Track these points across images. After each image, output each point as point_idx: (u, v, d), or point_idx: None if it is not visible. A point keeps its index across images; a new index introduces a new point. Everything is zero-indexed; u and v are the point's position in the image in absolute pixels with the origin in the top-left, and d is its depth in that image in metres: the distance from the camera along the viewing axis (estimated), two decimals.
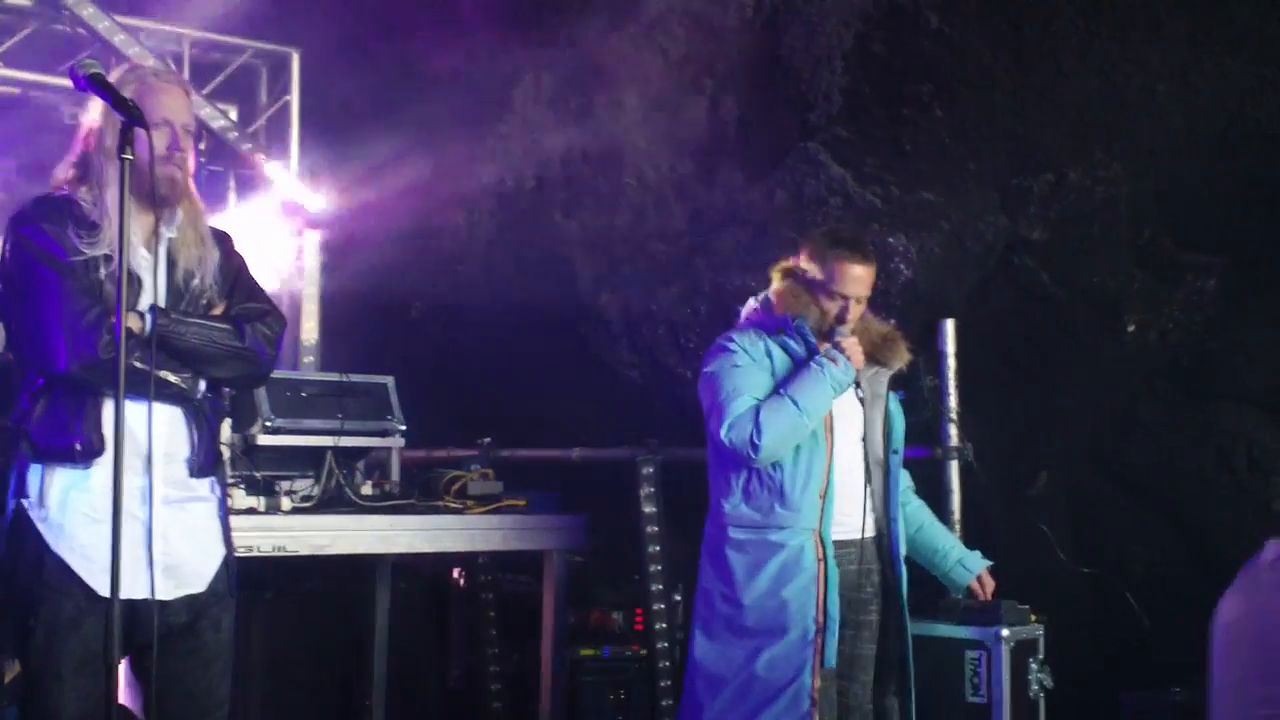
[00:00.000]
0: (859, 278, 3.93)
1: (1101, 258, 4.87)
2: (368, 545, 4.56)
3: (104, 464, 3.12)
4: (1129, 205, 4.81)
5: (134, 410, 3.10)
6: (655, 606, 5.09)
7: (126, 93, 3.14)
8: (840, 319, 3.93)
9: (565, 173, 6.56)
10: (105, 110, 3.17)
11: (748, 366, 3.93)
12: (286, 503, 4.42)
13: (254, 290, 3.53)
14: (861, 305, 3.97)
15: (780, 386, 3.88)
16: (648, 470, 5.13)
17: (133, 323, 3.15)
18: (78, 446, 3.16)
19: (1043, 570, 4.83)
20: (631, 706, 5.17)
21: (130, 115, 2.93)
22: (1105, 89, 4.85)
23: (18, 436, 3.24)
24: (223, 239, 3.50)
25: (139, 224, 3.20)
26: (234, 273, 3.46)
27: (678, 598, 5.13)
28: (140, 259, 3.23)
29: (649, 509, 5.10)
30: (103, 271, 3.17)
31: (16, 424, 3.25)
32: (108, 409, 3.12)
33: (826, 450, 3.89)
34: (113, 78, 3.19)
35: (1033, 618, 4.46)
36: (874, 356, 4.03)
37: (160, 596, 3.18)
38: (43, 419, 3.19)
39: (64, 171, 3.31)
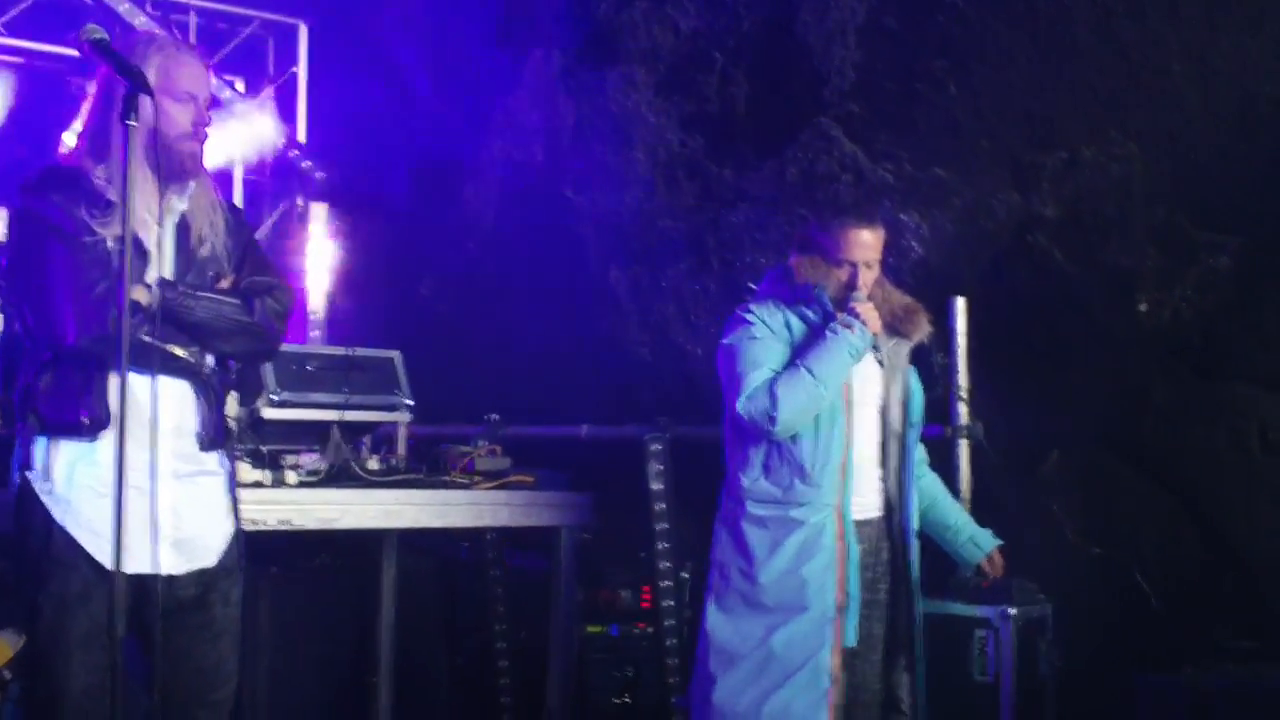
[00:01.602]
0: (866, 243, 3.92)
1: (1115, 236, 4.83)
2: (374, 520, 4.54)
3: (111, 437, 3.10)
4: (1143, 183, 4.77)
5: (141, 384, 3.09)
6: (663, 584, 5.08)
7: (150, 65, 3.13)
8: (850, 285, 3.91)
9: (575, 147, 6.52)
10: (114, 78, 3.13)
11: (766, 338, 3.90)
12: (292, 477, 4.40)
13: (264, 263, 3.50)
14: (872, 270, 3.95)
15: (796, 357, 3.86)
16: (656, 448, 5.11)
17: (140, 295, 3.12)
18: (85, 419, 3.14)
19: (1053, 550, 4.81)
20: (640, 683, 5.16)
21: (135, 82, 2.89)
22: (1121, 68, 4.80)
23: (24, 410, 3.22)
24: (233, 210, 3.48)
25: (149, 195, 3.17)
26: (244, 245, 3.44)
27: (685, 575, 5.11)
28: (150, 231, 3.19)
29: (657, 486, 5.08)
30: (112, 244, 3.13)
31: (23, 397, 3.23)
32: (115, 382, 3.10)
33: (846, 423, 3.87)
34: (134, 50, 3.17)
35: (1041, 597, 4.44)
36: (894, 328, 4.01)
37: (170, 571, 3.18)
38: (50, 392, 3.17)
39: (72, 141, 3.27)
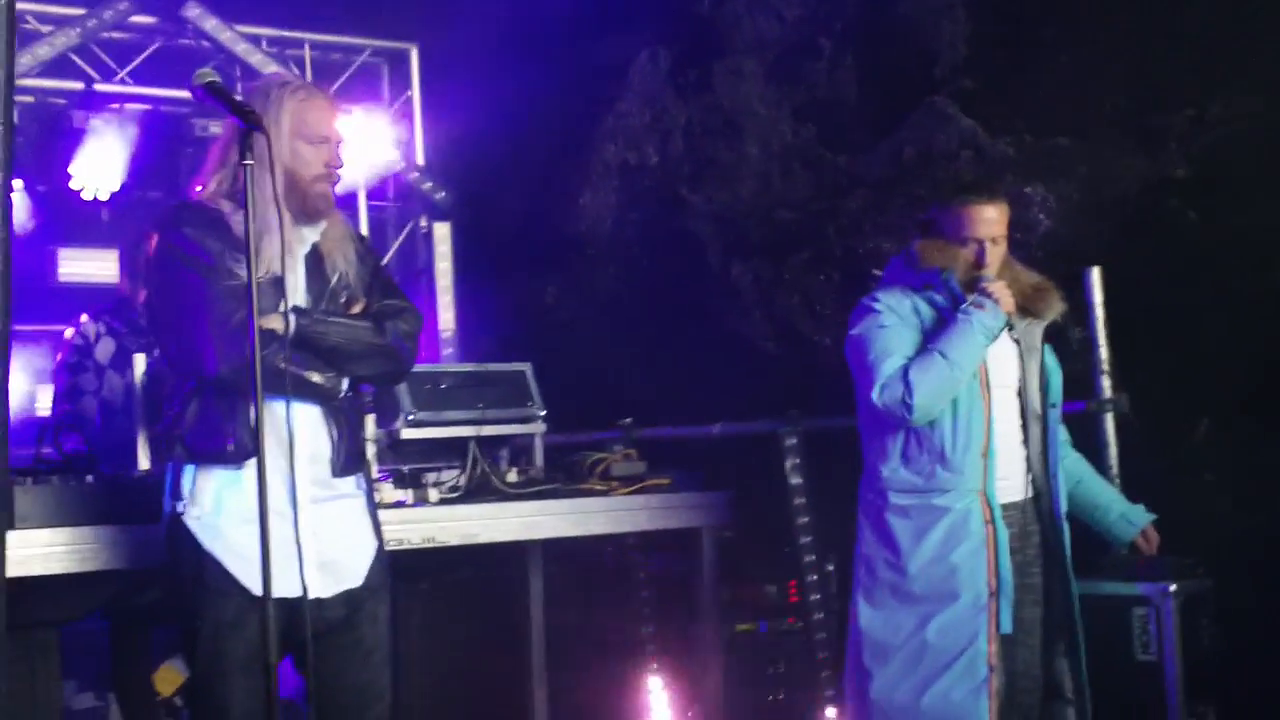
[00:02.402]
0: (989, 219, 3.84)
1: (1249, 194, 4.69)
2: (516, 532, 4.59)
3: (254, 464, 3.17)
4: (1274, 138, 4.62)
5: (277, 410, 3.14)
6: (809, 578, 5.04)
7: (285, 109, 3.24)
8: (978, 264, 3.83)
9: (687, 146, 6.52)
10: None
11: (895, 326, 3.85)
12: (434, 494, 4.46)
13: (391, 287, 3.56)
14: (1000, 247, 3.87)
15: (928, 342, 3.80)
16: (791, 441, 5.08)
17: (276, 324, 3.19)
18: (230, 447, 3.22)
19: (1208, 522, 4.67)
20: (791, 678, 5.13)
21: (249, 121, 2.94)
22: (1238, 15, 4.66)
23: (171, 441, 3.30)
24: (360, 239, 3.55)
25: (284, 233, 3.23)
26: (371, 270, 3.50)
27: (830, 567, 5.07)
28: (285, 263, 3.26)
29: (795, 480, 5.05)
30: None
31: (169, 429, 3.32)
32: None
33: (984, 406, 3.80)
34: (268, 94, 3.27)
35: (1200, 571, 4.32)
36: (1026, 308, 3.93)
37: (318, 594, 3.24)
38: (195, 422, 3.26)
39: (207, 182, 3.35)
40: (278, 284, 3.20)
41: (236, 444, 3.22)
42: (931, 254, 3.90)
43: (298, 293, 3.31)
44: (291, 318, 3.24)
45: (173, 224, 3.27)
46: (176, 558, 3.28)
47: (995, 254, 3.87)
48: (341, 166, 3.37)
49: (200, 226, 3.24)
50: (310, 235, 3.36)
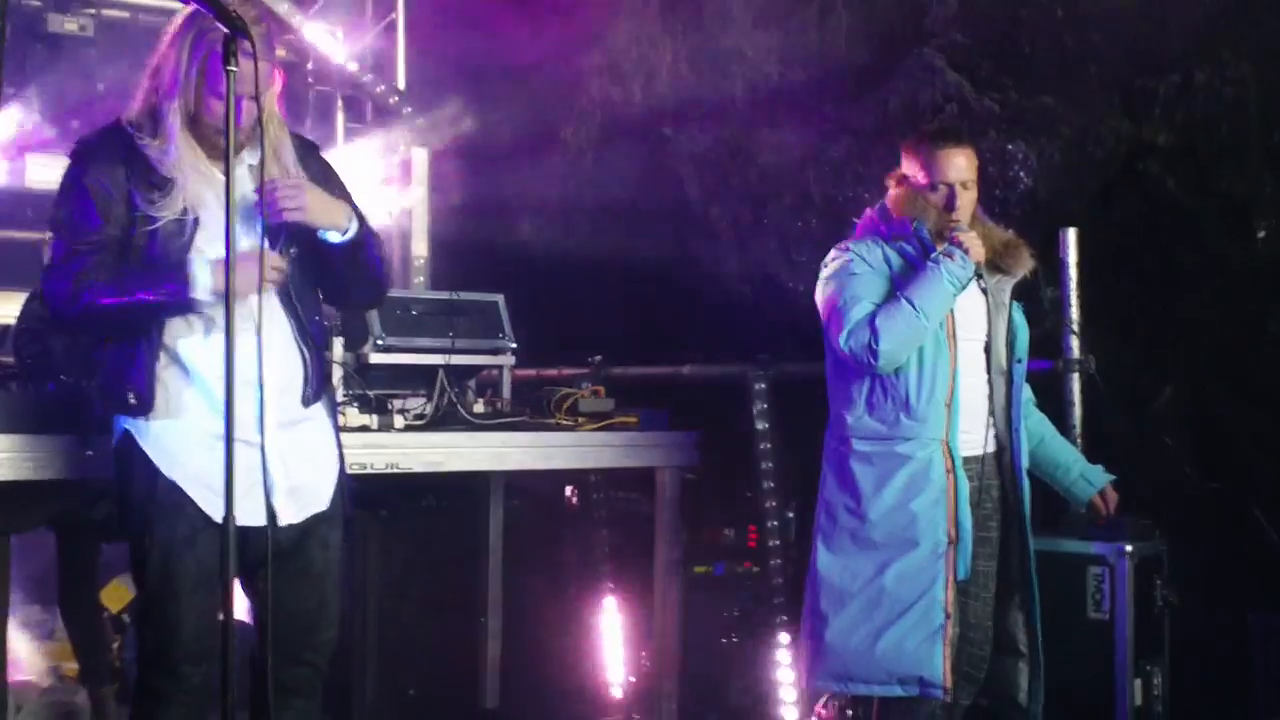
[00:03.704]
0: (957, 164, 3.84)
1: (1230, 162, 4.69)
2: (480, 462, 4.58)
3: (162, 414, 3.15)
4: (1259, 106, 4.61)
5: (245, 340, 3.07)
6: (769, 523, 5.06)
7: (200, 54, 3.06)
8: (948, 207, 3.83)
9: (673, 85, 6.47)
10: (185, 42, 3.09)
11: (865, 273, 3.85)
12: (399, 421, 4.45)
13: (358, 210, 3.50)
14: (970, 193, 3.87)
15: (897, 290, 3.80)
16: (759, 386, 5.09)
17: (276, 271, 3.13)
18: (131, 400, 3.16)
19: (1167, 485, 4.71)
20: (745, 622, 5.16)
21: (236, 28, 2.81)
22: None
23: (92, 389, 3.34)
24: (309, 149, 3.42)
25: (200, 167, 3.15)
26: (324, 178, 3.36)
27: (790, 514, 5.09)
28: (207, 204, 3.15)
29: (761, 425, 5.06)
30: (171, 226, 3.12)
31: (91, 377, 3.33)
32: (207, 346, 3.13)
33: (950, 356, 3.81)
34: (187, 31, 3.10)
35: (1156, 533, 4.36)
36: (996, 264, 3.93)
37: (286, 520, 3.19)
38: (106, 369, 3.24)
39: (137, 105, 3.21)
40: (192, 225, 3.13)
41: (137, 396, 3.15)
42: (904, 204, 3.90)
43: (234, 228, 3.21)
44: (353, 218, 3.21)
45: (81, 157, 3.19)
46: (127, 476, 3.22)
47: (966, 199, 3.87)
48: (242, 122, 3.09)
49: (114, 162, 3.13)
50: (248, 157, 3.23)
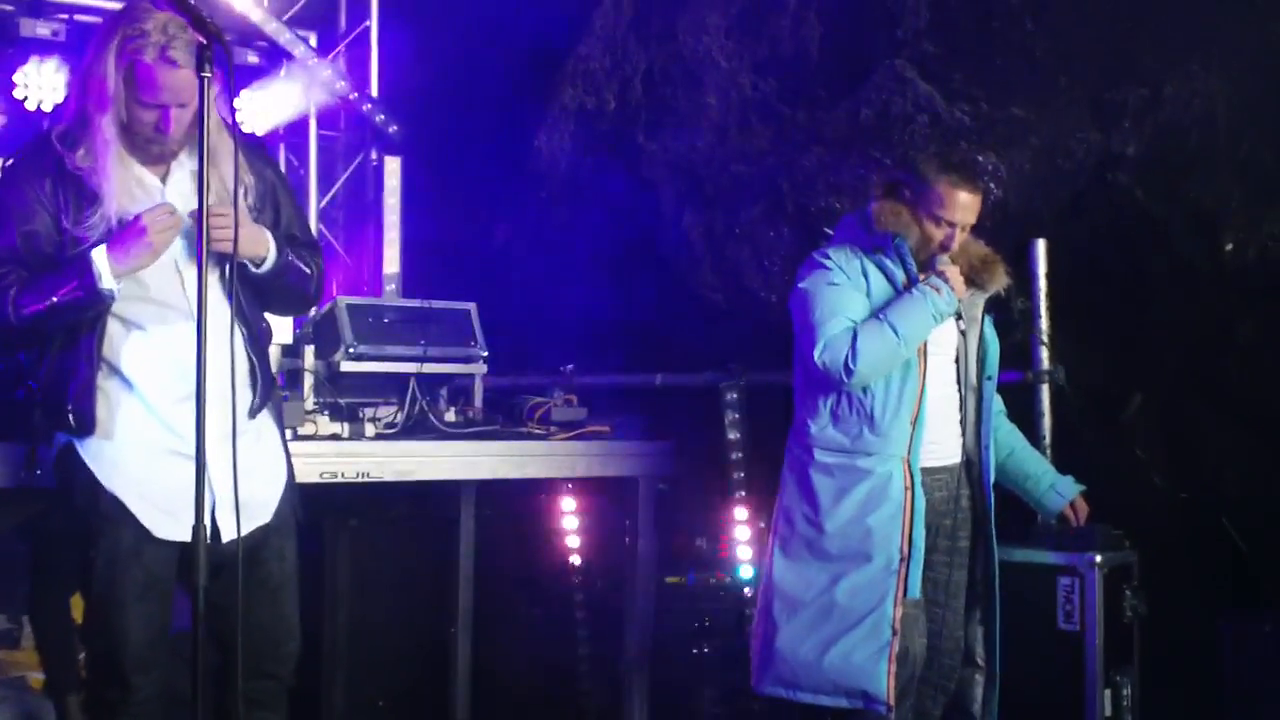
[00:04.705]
0: (967, 205, 3.81)
1: (1198, 174, 4.72)
2: (451, 471, 4.57)
3: (105, 432, 3.11)
4: (1227, 119, 4.65)
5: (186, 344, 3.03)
6: (740, 532, 5.06)
7: (123, 61, 3.01)
8: (944, 246, 3.82)
9: (646, 93, 6.47)
10: (109, 52, 3.01)
11: (844, 285, 3.83)
12: (370, 429, 4.44)
13: (302, 220, 3.46)
14: (965, 234, 3.87)
15: (879, 312, 3.79)
16: (731, 395, 5.09)
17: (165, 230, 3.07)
18: (71, 420, 3.12)
19: (1137, 495, 4.73)
20: (717, 632, 5.15)
21: (209, 33, 2.76)
22: None
23: (31, 406, 3.27)
24: (256, 151, 3.36)
25: (132, 177, 3.12)
26: (269, 192, 3.32)
27: (763, 524, 5.09)
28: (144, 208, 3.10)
29: (733, 434, 5.06)
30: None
31: (30, 392, 3.27)
32: (131, 358, 3.10)
33: (919, 376, 3.81)
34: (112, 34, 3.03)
35: (1126, 543, 4.37)
36: (971, 279, 3.93)
37: (229, 536, 3.10)
38: (45, 385, 3.19)
39: (66, 117, 3.16)
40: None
41: (78, 416, 3.11)
42: (889, 218, 3.86)
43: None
44: (272, 251, 3.17)
45: (9, 173, 3.14)
46: (69, 487, 3.18)
47: (961, 239, 3.87)
48: (172, 131, 3.07)
49: (42, 176, 3.08)
50: (188, 162, 3.18)
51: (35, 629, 4.84)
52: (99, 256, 3.03)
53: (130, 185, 3.10)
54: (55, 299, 3.03)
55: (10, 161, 3.19)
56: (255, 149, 3.37)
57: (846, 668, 3.75)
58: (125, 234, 3.00)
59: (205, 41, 2.78)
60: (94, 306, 3.08)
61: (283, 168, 5.92)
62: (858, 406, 3.82)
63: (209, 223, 2.91)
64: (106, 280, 3.03)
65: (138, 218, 3.03)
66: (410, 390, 4.68)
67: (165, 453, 2.97)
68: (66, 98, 3.21)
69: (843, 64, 5.73)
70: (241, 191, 3.13)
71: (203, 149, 2.79)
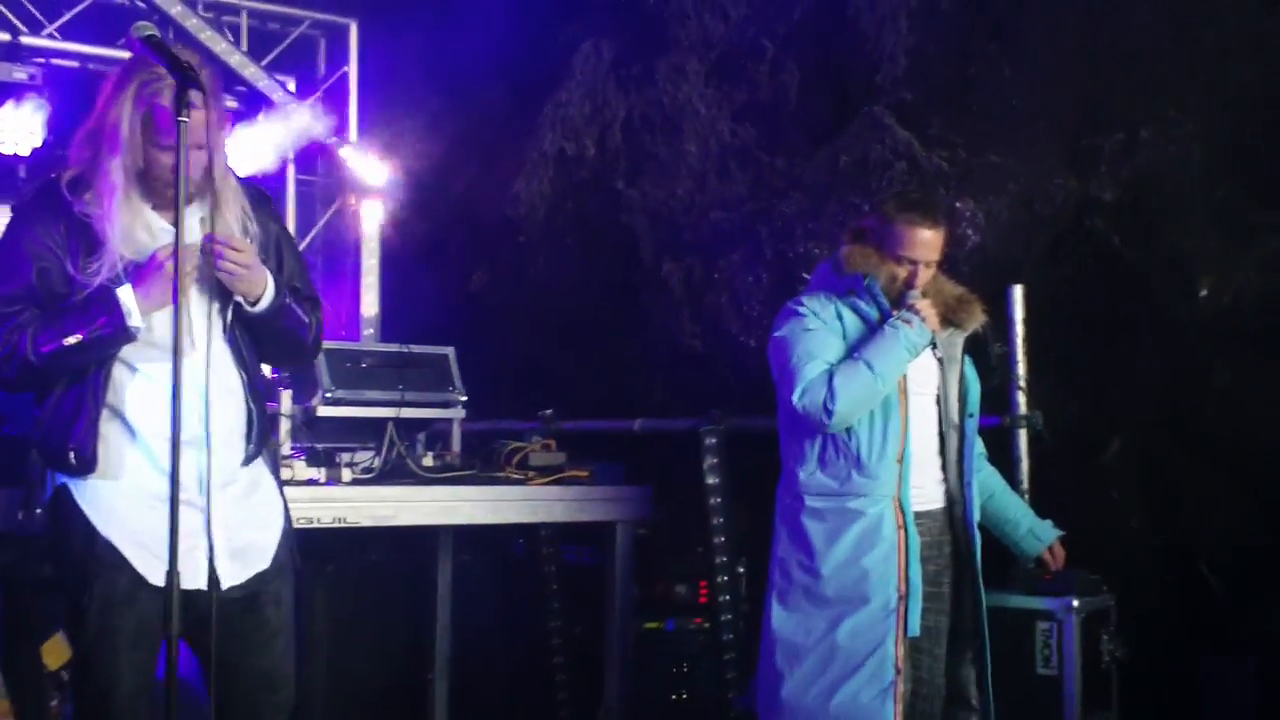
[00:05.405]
0: (927, 242, 3.85)
1: (1174, 219, 4.76)
2: (429, 516, 4.55)
3: (102, 473, 3.09)
4: (1202, 165, 4.69)
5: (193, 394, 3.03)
6: (720, 578, 5.04)
7: (140, 106, 3.01)
8: (909, 284, 3.85)
9: (626, 140, 6.50)
10: (125, 97, 3.02)
11: (819, 330, 3.85)
12: (347, 474, 4.42)
13: (303, 270, 3.46)
14: (931, 270, 3.89)
15: (854, 350, 3.81)
16: (711, 441, 5.07)
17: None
18: (72, 459, 3.10)
19: (1115, 539, 4.73)
20: (696, 679, 5.12)
21: (187, 77, 2.79)
22: (1178, 45, 4.72)
23: (31, 443, 3.25)
24: (262, 200, 3.36)
25: (144, 219, 3.11)
26: (273, 243, 3.33)
27: (742, 569, 5.07)
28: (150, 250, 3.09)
29: (713, 480, 5.04)
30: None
31: (31, 429, 3.25)
32: (135, 403, 3.09)
33: (901, 414, 3.82)
34: (128, 81, 3.04)
35: (1104, 588, 4.37)
36: (949, 319, 3.95)
37: (229, 583, 3.11)
38: (47, 424, 3.15)
39: (75, 163, 3.14)
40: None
41: (79, 456, 3.09)
42: (857, 260, 3.91)
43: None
44: (270, 291, 3.16)
45: (18, 215, 3.15)
46: (63, 532, 3.15)
47: (926, 275, 3.89)
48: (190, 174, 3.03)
49: (51, 222, 3.08)
50: (198, 210, 3.16)
51: (7, 677, 4.79)
52: (125, 294, 3.03)
53: (136, 230, 3.10)
54: (82, 336, 3.02)
55: (21, 204, 3.20)
56: (261, 201, 3.37)
57: (854, 709, 3.73)
58: (146, 271, 3.00)
59: (182, 83, 2.79)
60: (119, 344, 3.08)
61: None
62: (843, 449, 3.83)
63: (220, 249, 2.98)
64: (135, 318, 3.03)
65: (154, 255, 3.03)
66: (388, 435, 4.66)
67: (163, 499, 2.95)
68: (71, 144, 3.19)
69: (821, 111, 5.77)
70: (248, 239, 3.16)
71: (179, 189, 2.78)
